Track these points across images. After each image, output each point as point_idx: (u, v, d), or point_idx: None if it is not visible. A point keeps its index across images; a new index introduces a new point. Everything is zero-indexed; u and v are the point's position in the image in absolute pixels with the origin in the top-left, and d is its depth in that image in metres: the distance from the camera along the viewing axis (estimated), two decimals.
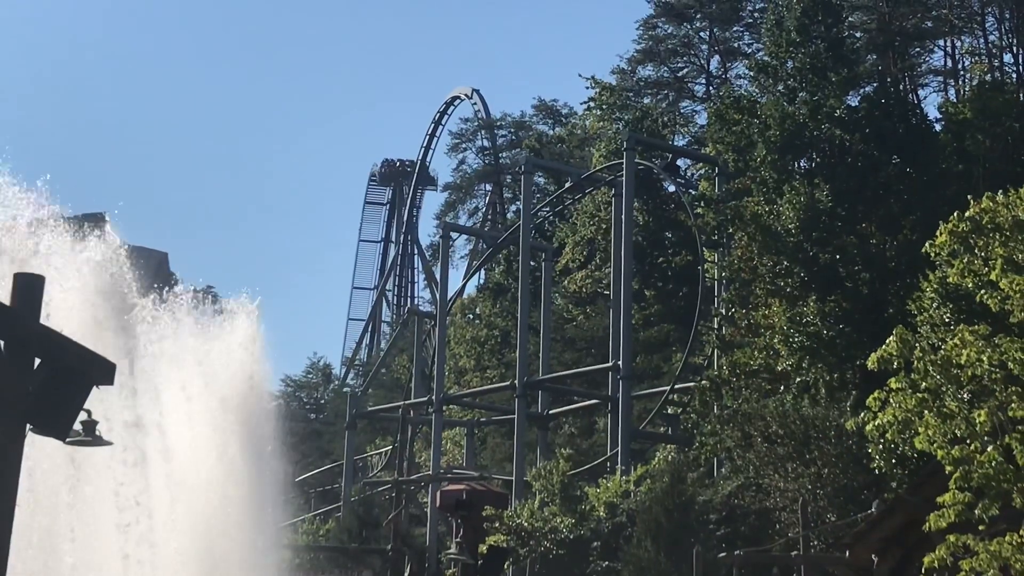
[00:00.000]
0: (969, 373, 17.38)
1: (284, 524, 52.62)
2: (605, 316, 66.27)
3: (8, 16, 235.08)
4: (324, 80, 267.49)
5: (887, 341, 18.27)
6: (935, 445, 17.43)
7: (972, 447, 17.05)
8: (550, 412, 63.44)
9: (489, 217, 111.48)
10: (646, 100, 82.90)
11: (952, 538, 17.48)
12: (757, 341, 43.16)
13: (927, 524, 18.00)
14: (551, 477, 44.83)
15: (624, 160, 57.19)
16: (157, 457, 22.04)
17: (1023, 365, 17.00)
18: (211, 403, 26.47)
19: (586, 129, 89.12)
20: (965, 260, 19.06)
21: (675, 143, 76.73)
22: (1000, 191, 18.86)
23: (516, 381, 57.57)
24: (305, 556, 55.97)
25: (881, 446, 28.53)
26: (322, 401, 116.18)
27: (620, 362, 53.33)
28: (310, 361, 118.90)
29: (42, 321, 12.12)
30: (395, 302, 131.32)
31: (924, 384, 17.61)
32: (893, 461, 30.01)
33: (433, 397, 63.20)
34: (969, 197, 19.67)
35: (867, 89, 51.47)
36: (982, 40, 67.07)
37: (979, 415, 16.91)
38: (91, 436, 13.31)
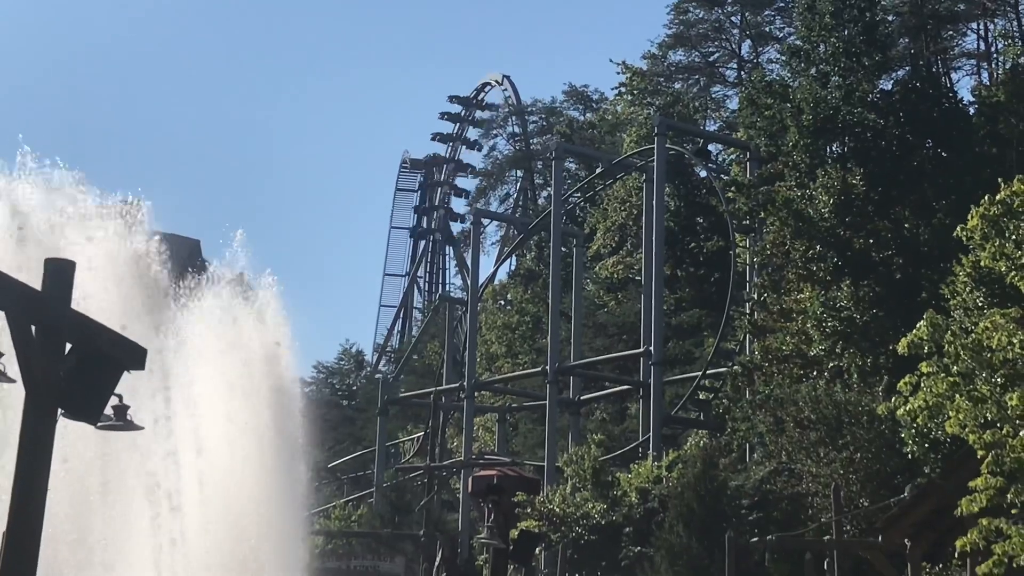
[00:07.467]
0: (1001, 357, 17.28)
1: (316, 510, 52.93)
2: (636, 302, 66.14)
3: (39, 4, 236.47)
4: (355, 66, 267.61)
5: (918, 325, 18.20)
6: (967, 429, 17.35)
7: (1004, 431, 16.96)
8: (582, 398, 63.37)
9: (520, 203, 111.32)
10: (677, 85, 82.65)
11: (985, 522, 17.41)
12: (789, 326, 42.99)
13: (959, 508, 17.93)
14: (583, 463, 44.81)
15: (655, 145, 56.97)
16: (187, 438, 22.16)
17: None
18: (239, 384, 26.58)
19: (617, 114, 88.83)
20: (997, 243, 18.97)
21: (706, 128, 76.49)
22: None
23: (548, 367, 57.54)
24: (338, 541, 56.20)
25: (913, 431, 28.49)
26: (354, 387, 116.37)
27: (652, 348, 53.23)
28: (342, 348, 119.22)
29: (73, 307, 12.18)
30: (426, 289, 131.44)
31: (955, 368, 17.53)
32: (926, 446, 29.95)
33: (465, 383, 63.28)
34: (1000, 180, 19.56)
35: (900, 73, 51.10)
36: (1015, 23, 66.52)
37: (1011, 399, 16.81)
38: (122, 421, 13.39)
